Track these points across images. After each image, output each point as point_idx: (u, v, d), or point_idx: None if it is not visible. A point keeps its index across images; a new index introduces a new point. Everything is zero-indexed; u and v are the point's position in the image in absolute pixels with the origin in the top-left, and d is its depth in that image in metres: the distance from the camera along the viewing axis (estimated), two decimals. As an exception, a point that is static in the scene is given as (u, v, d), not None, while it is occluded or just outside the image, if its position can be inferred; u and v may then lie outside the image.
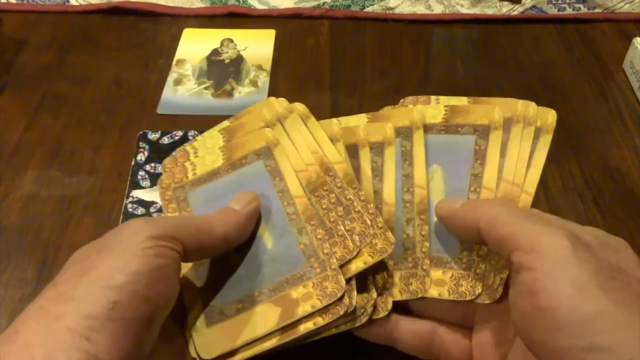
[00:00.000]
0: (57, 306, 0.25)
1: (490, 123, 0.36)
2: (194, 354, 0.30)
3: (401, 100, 0.41)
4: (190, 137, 0.50)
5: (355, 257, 0.31)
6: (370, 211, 0.33)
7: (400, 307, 0.33)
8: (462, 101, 0.39)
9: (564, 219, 0.29)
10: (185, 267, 0.33)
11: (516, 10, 0.65)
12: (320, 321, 0.30)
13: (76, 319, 0.24)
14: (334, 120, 0.38)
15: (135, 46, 0.61)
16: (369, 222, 0.32)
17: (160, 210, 0.45)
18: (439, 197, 0.35)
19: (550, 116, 0.36)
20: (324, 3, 0.65)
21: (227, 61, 0.60)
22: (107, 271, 0.26)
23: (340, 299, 0.30)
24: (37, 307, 0.26)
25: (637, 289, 0.24)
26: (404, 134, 0.37)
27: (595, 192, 0.48)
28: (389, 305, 0.32)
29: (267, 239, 0.33)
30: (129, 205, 0.46)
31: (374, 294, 0.31)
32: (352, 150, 0.37)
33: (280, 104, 0.39)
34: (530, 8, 0.65)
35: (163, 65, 0.59)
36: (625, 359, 0.22)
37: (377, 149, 0.37)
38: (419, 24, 0.64)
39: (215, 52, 0.61)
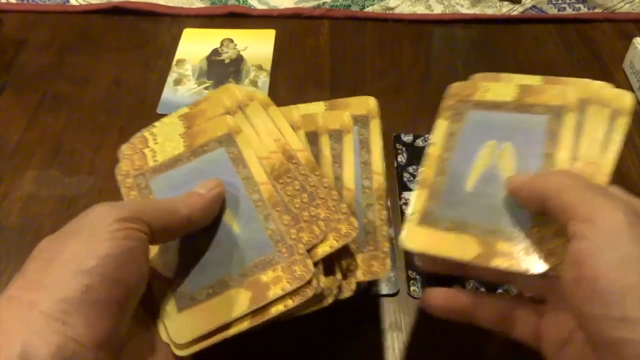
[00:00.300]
0: (29, 293, 0.25)
1: (563, 104, 0.36)
2: (166, 339, 0.31)
3: (470, 77, 0.41)
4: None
5: (321, 242, 0.32)
6: (334, 197, 0.33)
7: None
8: (534, 80, 0.39)
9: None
10: (153, 255, 0.33)
11: (516, 10, 0.65)
12: (290, 303, 0.30)
13: (50, 304, 0.24)
14: (293, 107, 0.39)
15: (135, 46, 0.61)
16: (333, 208, 0.33)
17: (160, 210, 0.45)
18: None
19: (627, 98, 0.36)
20: (324, 3, 0.65)
21: (227, 61, 0.60)
22: (76, 256, 0.26)
23: (309, 281, 0.31)
24: (7, 296, 0.25)
25: None
26: (361, 122, 0.38)
27: (595, 192, 0.48)
28: (353, 286, 0.33)
29: (234, 226, 0.33)
30: (129, 205, 0.46)
31: (339, 276, 0.33)
32: (312, 138, 0.38)
33: (240, 90, 0.39)
34: (530, 8, 0.65)
35: (163, 65, 0.59)
36: None
37: (336, 136, 0.38)
38: (419, 24, 0.64)
39: (215, 52, 0.61)
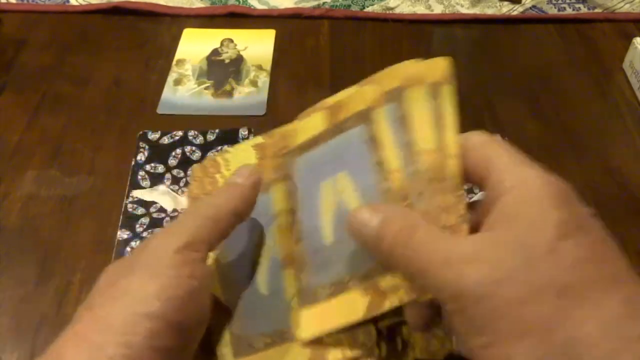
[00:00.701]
0: (98, 335, 0.25)
1: (368, 105, 0.31)
2: None
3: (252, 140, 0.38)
4: (190, 137, 0.50)
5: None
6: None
7: None
8: (346, 92, 0.34)
9: None
10: (213, 289, 0.32)
11: (516, 10, 0.65)
12: None
13: (116, 349, 0.24)
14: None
15: (135, 46, 0.61)
16: None
17: (160, 210, 0.45)
18: (354, 203, 0.30)
19: (440, 65, 0.30)
20: (324, 3, 0.65)
21: (227, 61, 0.60)
22: (143, 296, 0.26)
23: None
24: (74, 331, 0.26)
25: (604, 255, 0.23)
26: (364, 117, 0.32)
27: (595, 192, 0.48)
28: None
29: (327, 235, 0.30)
30: (129, 205, 0.46)
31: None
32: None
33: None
34: (530, 8, 0.65)
35: (163, 65, 0.59)
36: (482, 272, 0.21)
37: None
38: (419, 24, 0.64)
39: (215, 52, 0.61)
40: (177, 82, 0.57)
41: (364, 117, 0.31)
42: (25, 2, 0.65)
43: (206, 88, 0.57)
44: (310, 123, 0.33)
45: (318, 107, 0.34)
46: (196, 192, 0.36)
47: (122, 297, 0.26)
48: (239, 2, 0.65)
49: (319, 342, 0.29)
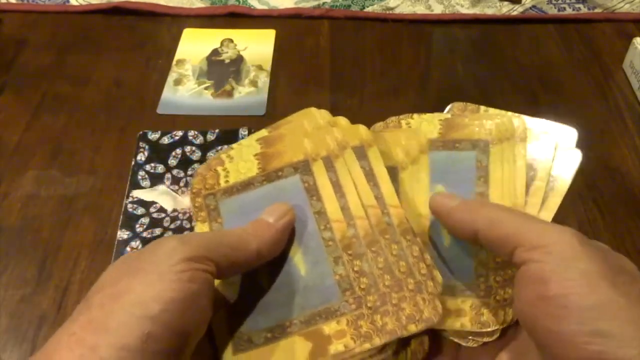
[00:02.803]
0: (92, 336, 0.24)
1: (488, 137, 0.35)
2: None
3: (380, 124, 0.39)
4: (190, 137, 0.50)
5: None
6: (422, 271, 0.30)
7: None
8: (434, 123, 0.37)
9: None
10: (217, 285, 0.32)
11: (516, 10, 0.65)
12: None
13: (110, 351, 0.24)
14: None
15: (135, 46, 0.61)
16: (416, 285, 0.30)
17: (160, 210, 0.45)
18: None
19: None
20: (324, 3, 0.65)
21: (227, 61, 0.60)
22: (141, 298, 0.25)
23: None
24: (70, 332, 0.25)
25: (634, 285, 0.25)
26: (302, 168, 0.34)
27: (595, 192, 0.48)
28: (426, 347, 0.31)
29: (300, 264, 0.31)
30: (129, 205, 0.46)
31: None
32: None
33: (322, 116, 0.36)
34: (530, 8, 0.65)
35: (163, 65, 0.59)
36: (627, 344, 0.23)
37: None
38: (419, 24, 0.64)
39: (215, 52, 0.61)
40: (177, 82, 0.57)
41: (302, 167, 0.34)
42: (25, 2, 0.65)
43: (206, 88, 0.57)
44: (242, 166, 0.35)
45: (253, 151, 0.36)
46: (198, 188, 0.35)
47: (121, 298, 0.25)
48: (239, 2, 0.65)
49: (320, 335, 0.29)
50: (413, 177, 0.34)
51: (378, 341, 0.28)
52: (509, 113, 0.37)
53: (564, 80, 0.58)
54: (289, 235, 0.32)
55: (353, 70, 0.59)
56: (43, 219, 0.46)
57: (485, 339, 0.30)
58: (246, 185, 0.35)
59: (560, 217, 0.45)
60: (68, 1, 0.65)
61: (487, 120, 0.36)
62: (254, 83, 0.57)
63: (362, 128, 0.35)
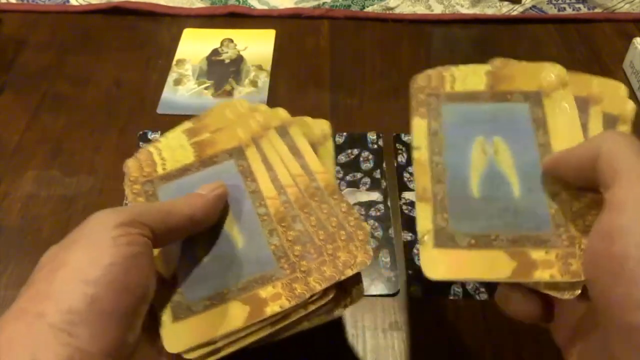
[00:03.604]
0: (36, 305, 0.25)
1: (539, 89, 0.35)
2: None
3: (412, 81, 0.39)
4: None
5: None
6: (351, 223, 0.33)
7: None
8: (483, 69, 0.37)
9: None
10: (155, 258, 0.33)
11: (516, 10, 0.65)
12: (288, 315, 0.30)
13: (57, 315, 0.24)
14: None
15: (135, 46, 0.61)
16: (347, 236, 0.32)
17: (160, 210, 0.45)
18: (511, 172, 0.32)
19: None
20: (324, 3, 0.65)
21: (227, 61, 0.60)
22: (81, 265, 0.26)
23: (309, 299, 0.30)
24: (16, 308, 0.25)
25: None
26: (236, 154, 0.36)
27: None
28: (362, 291, 0.33)
29: (237, 239, 0.33)
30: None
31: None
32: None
33: (242, 105, 0.38)
34: (530, 8, 0.65)
35: (163, 65, 0.59)
36: None
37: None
38: (419, 24, 0.64)
39: (215, 52, 0.61)
40: (177, 82, 0.57)
41: (236, 153, 0.36)
42: (25, 2, 0.65)
43: (206, 88, 0.57)
44: (179, 154, 0.37)
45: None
46: (134, 176, 0.36)
47: (60, 268, 0.26)
48: (239, 2, 0.65)
49: (257, 298, 0.31)
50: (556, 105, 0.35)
51: (319, 287, 0.30)
52: (549, 64, 0.36)
53: (564, 80, 0.58)
54: (222, 207, 0.33)
55: (353, 70, 0.59)
56: (43, 219, 0.46)
57: (577, 291, 0.29)
58: (183, 171, 0.36)
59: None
60: (68, 1, 0.65)
61: (535, 72, 0.36)
62: (254, 83, 0.57)
63: (281, 110, 0.38)
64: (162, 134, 0.51)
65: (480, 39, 0.63)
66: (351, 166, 0.50)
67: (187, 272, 0.33)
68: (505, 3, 0.65)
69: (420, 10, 0.65)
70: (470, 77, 0.36)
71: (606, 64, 0.59)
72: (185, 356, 0.30)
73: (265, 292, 0.31)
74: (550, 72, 0.35)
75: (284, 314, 0.31)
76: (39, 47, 0.61)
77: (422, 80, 0.36)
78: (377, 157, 0.50)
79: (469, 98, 0.35)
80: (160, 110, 0.54)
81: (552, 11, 0.65)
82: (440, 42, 0.62)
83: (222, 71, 0.59)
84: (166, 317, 0.31)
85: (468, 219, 0.31)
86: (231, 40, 0.62)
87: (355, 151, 0.51)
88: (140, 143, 0.50)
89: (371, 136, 0.52)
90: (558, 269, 0.29)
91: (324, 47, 0.61)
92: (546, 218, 0.31)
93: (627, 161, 0.25)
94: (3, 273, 0.42)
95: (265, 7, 0.65)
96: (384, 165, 0.49)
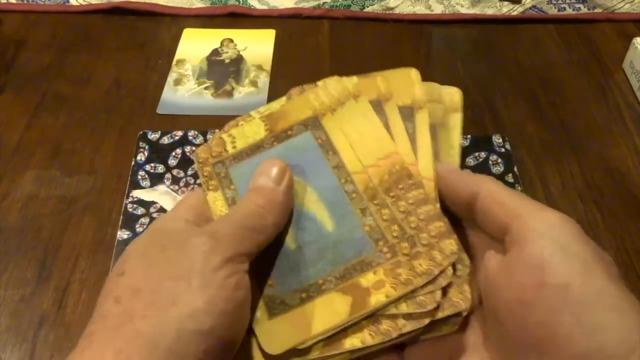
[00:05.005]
0: (142, 354, 0.22)
1: (315, 113, 0.33)
2: (257, 351, 0.28)
3: (195, 152, 0.37)
4: (190, 137, 0.50)
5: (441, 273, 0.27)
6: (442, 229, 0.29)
7: None
8: (279, 103, 0.35)
9: None
10: None
11: (516, 10, 0.65)
12: (403, 307, 0.27)
13: None
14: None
15: (135, 46, 0.61)
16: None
17: (161, 210, 0.45)
18: (319, 208, 0.31)
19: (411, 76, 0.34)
20: (324, 3, 0.65)
21: (227, 61, 0.60)
22: (193, 310, 0.23)
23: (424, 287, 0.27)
24: (116, 349, 0.22)
25: (614, 271, 0.24)
26: (311, 124, 0.33)
27: (595, 192, 0.48)
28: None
29: (326, 221, 0.30)
30: (129, 205, 0.46)
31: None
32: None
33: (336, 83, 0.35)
34: (530, 8, 0.65)
35: (163, 65, 0.59)
36: (625, 339, 0.22)
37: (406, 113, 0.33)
38: (419, 24, 0.64)
39: (215, 52, 0.61)
40: (177, 82, 0.57)
41: (311, 124, 0.33)
42: (25, 2, 0.65)
43: (206, 88, 0.57)
44: (248, 130, 0.34)
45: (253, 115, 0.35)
46: (204, 157, 0.34)
47: (169, 308, 0.23)
48: (239, 2, 0.65)
49: (358, 287, 0.28)
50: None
51: (420, 281, 0.27)
52: (331, 80, 0.35)
53: (564, 80, 0.58)
54: (292, 194, 0.31)
55: (353, 70, 0.58)
56: (43, 219, 0.46)
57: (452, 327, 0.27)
58: (256, 148, 0.33)
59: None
60: (68, 1, 0.65)
61: (307, 99, 0.34)
62: (254, 83, 0.57)
63: (379, 79, 0.34)
64: (162, 134, 0.51)
65: (480, 39, 0.63)
66: (480, 169, 0.47)
67: (276, 263, 0.30)
68: (505, 3, 0.65)
69: (420, 10, 0.65)
70: (248, 129, 0.34)
71: (606, 64, 0.59)
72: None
73: (366, 280, 0.28)
74: (323, 95, 0.34)
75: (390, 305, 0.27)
76: (39, 47, 0.61)
77: (203, 152, 0.34)
78: (507, 161, 0.49)
79: (254, 150, 0.33)
80: (160, 110, 0.54)
81: (552, 11, 0.65)
82: (440, 42, 0.62)
83: (222, 71, 0.58)
84: (260, 313, 0.28)
85: (292, 275, 0.29)
86: (231, 40, 0.62)
87: (483, 154, 0.49)
88: (140, 143, 0.50)
89: (496, 139, 0.51)
90: (390, 284, 0.27)
91: (324, 47, 0.61)
92: (364, 239, 0.29)
93: (515, 199, 0.26)
94: (3, 273, 0.42)
95: (265, 7, 0.65)
96: (516, 169, 0.48)
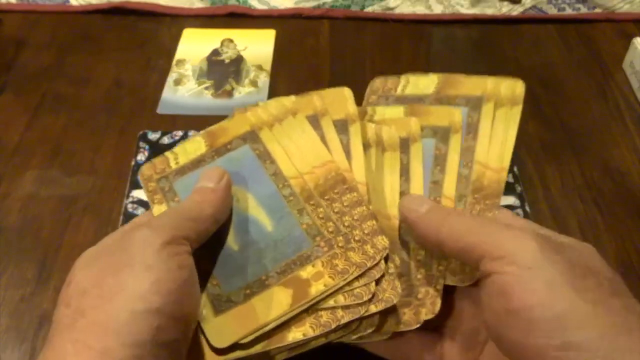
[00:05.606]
0: (98, 339, 0.23)
1: (252, 128, 0.36)
2: (207, 349, 0.29)
3: (370, 83, 0.41)
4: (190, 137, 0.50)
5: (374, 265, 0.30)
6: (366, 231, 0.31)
7: None
8: (432, 79, 0.39)
9: (531, 221, 0.30)
10: None
11: (516, 10, 0.65)
12: (340, 299, 0.29)
13: (122, 350, 0.23)
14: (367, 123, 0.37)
15: (135, 46, 0.61)
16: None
17: (160, 210, 0.45)
18: (259, 212, 0.33)
19: (517, 87, 0.37)
20: (324, 3, 0.65)
21: (227, 61, 0.60)
22: (140, 292, 0.25)
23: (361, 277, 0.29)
24: (72, 340, 0.24)
25: (607, 288, 0.24)
26: (249, 138, 0.36)
27: (595, 192, 0.48)
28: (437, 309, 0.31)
29: (266, 223, 0.32)
30: (129, 205, 0.46)
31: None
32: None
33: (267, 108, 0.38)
34: (530, 8, 0.65)
35: (163, 65, 0.59)
36: (597, 355, 0.22)
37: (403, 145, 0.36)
38: (419, 24, 0.64)
39: (215, 52, 0.61)
40: (177, 82, 0.57)
41: (249, 137, 0.35)
42: (25, 2, 0.65)
43: (206, 88, 0.57)
44: (189, 147, 0.36)
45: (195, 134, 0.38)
46: (148, 174, 0.36)
47: (116, 295, 0.25)
48: (239, 2, 0.65)
49: (299, 280, 0.30)
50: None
51: (356, 272, 0.29)
52: (273, 101, 0.38)
53: (564, 80, 0.58)
54: (231, 195, 0.33)
55: (353, 70, 0.59)
56: (43, 219, 0.46)
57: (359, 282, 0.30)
58: (197, 162, 0.36)
59: (560, 217, 0.46)
60: (68, 1, 0.65)
61: (244, 118, 0.37)
62: (254, 83, 0.57)
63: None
64: (162, 134, 0.51)
65: (480, 39, 0.63)
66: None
67: (221, 263, 0.31)
68: (505, 3, 0.65)
69: (420, 10, 0.65)
70: (189, 146, 0.37)
71: (606, 64, 0.59)
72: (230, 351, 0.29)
73: (305, 272, 0.30)
74: (263, 113, 0.36)
75: (328, 293, 0.29)
76: (39, 47, 0.61)
77: (147, 170, 0.36)
78: None
79: (196, 164, 0.36)
80: (160, 110, 0.54)
81: (552, 11, 0.65)
82: (440, 42, 0.62)
83: (222, 71, 0.58)
84: (207, 311, 0.30)
85: (236, 274, 0.31)
86: (231, 40, 0.62)
87: None
88: (140, 143, 0.50)
89: None
90: (328, 274, 0.30)
91: (324, 47, 0.61)
92: (302, 236, 0.31)
93: (474, 232, 0.27)
94: (3, 273, 0.42)
95: (265, 7, 0.65)
96: (516, 169, 0.48)
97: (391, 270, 0.30)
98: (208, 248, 0.32)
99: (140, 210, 0.45)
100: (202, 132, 0.37)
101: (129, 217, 0.45)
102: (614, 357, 0.22)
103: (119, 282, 0.25)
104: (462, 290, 0.32)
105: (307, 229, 0.31)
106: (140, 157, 0.49)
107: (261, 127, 0.35)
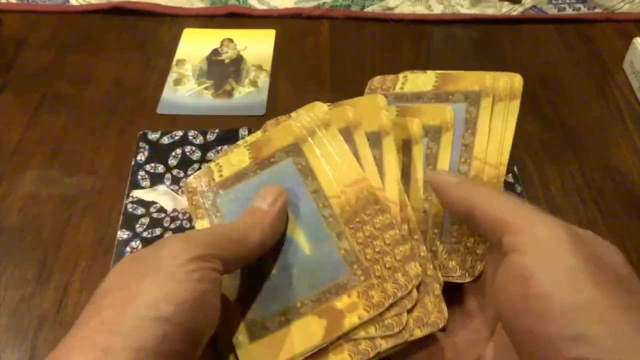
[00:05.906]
0: (105, 338, 0.24)
1: (295, 140, 0.35)
2: None
3: (369, 82, 0.40)
4: (190, 137, 0.50)
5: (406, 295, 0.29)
6: (415, 237, 0.30)
7: None
8: (430, 76, 0.38)
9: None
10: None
11: (516, 10, 0.65)
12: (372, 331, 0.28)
13: (125, 353, 0.23)
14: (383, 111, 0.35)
15: (135, 46, 0.61)
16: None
17: (160, 210, 0.45)
18: (298, 233, 0.33)
19: (516, 81, 0.36)
20: (324, 3, 0.65)
21: (227, 61, 0.60)
22: (153, 300, 0.25)
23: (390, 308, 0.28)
24: (82, 336, 0.24)
25: (626, 284, 0.24)
26: (293, 151, 0.34)
27: (595, 192, 0.48)
28: (445, 314, 0.30)
29: (304, 245, 0.31)
30: (129, 205, 0.46)
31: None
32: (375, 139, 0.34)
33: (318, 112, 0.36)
34: (530, 8, 0.65)
35: (163, 65, 0.59)
36: (609, 351, 0.22)
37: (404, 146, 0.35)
38: (419, 24, 0.64)
39: (215, 52, 0.61)
40: (177, 82, 0.57)
41: (292, 150, 0.34)
42: (25, 2, 0.65)
43: (206, 88, 0.57)
44: (234, 158, 0.36)
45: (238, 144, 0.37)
46: (193, 187, 0.36)
47: (132, 300, 0.25)
48: (239, 2, 0.65)
49: (333, 310, 0.29)
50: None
51: (398, 293, 0.29)
52: (313, 105, 0.37)
53: (564, 80, 0.58)
54: (285, 217, 0.32)
55: (353, 70, 0.59)
56: (43, 219, 0.46)
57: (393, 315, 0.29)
58: (240, 176, 0.35)
59: (560, 217, 0.45)
60: (68, 1, 0.65)
61: (288, 128, 0.36)
62: (254, 83, 0.57)
63: (348, 109, 0.35)
64: (162, 134, 0.51)
65: (480, 39, 0.63)
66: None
67: (257, 287, 0.31)
68: (505, 3, 0.65)
69: (420, 10, 0.65)
70: (233, 158, 0.36)
71: (606, 64, 0.59)
72: None
73: (340, 302, 0.29)
74: (301, 122, 0.35)
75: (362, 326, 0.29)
76: (39, 47, 0.61)
77: (193, 182, 0.36)
78: None
79: (239, 178, 0.35)
80: (160, 110, 0.54)
81: (552, 11, 0.65)
82: (440, 42, 0.62)
83: (222, 71, 0.58)
84: (242, 337, 0.30)
85: (272, 298, 0.31)
86: (231, 40, 0.62)
87: None
88: (140, 143, 0.50)
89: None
90: (362, 306, 0.29)
91: (324, 47, 0.61)
92: (339, 262, 0.30)
93: (507, 211, 0.27)
94: (3, 273, 0.42)
95: (265, 7, 0.65)
96: (516, 169, 0.48)
97: (437, 292, 0.29)
98: (246, 268, 0.32)
99: (140, 210, 0.45)
100: (247, 140, 0.36)
101: (129, 217, 0.45)
102: (625, 356, 0.21)
103: (139, 288, 0.26)
104: (464, 288, 0.32)
105: (345, 255, 0.30)
106: (140, 157, 0.49)
107: (304, 139, 0.34)
